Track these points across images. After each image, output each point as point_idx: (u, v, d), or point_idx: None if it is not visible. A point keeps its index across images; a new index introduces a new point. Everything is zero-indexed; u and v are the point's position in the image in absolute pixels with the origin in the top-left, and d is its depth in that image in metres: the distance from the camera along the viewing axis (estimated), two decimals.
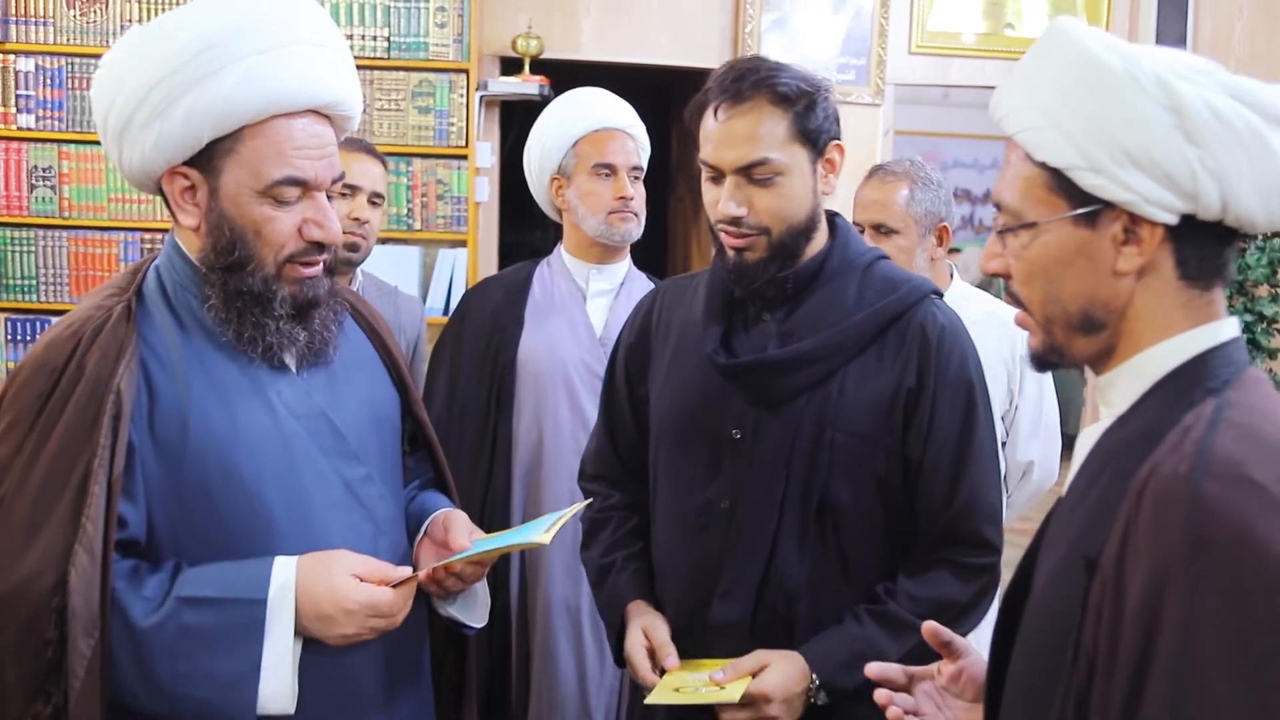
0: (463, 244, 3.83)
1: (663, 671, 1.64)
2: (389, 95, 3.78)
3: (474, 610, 1.60)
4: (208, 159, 1.36)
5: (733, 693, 1.54)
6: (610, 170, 2.37)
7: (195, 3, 1.37)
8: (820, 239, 1.69)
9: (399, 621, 1.41)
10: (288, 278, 1.40)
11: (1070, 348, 1.09)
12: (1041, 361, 1.13)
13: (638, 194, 2.41)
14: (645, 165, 2.48)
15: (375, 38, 3.80)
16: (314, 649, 1.38)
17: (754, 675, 1.58)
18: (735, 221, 1.61)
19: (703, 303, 1.74)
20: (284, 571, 1.35)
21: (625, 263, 2.48)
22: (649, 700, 1.61)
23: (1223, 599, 0.87)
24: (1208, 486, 0.89)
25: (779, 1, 4.13)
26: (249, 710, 1.33)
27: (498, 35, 4.07)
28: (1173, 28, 4.44)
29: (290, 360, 1.45)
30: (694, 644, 1.68)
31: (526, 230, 6.23)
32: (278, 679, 1.33)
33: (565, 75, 4.09)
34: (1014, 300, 1.12)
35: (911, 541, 1.67)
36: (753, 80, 1.58)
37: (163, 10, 3.69)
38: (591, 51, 4.13)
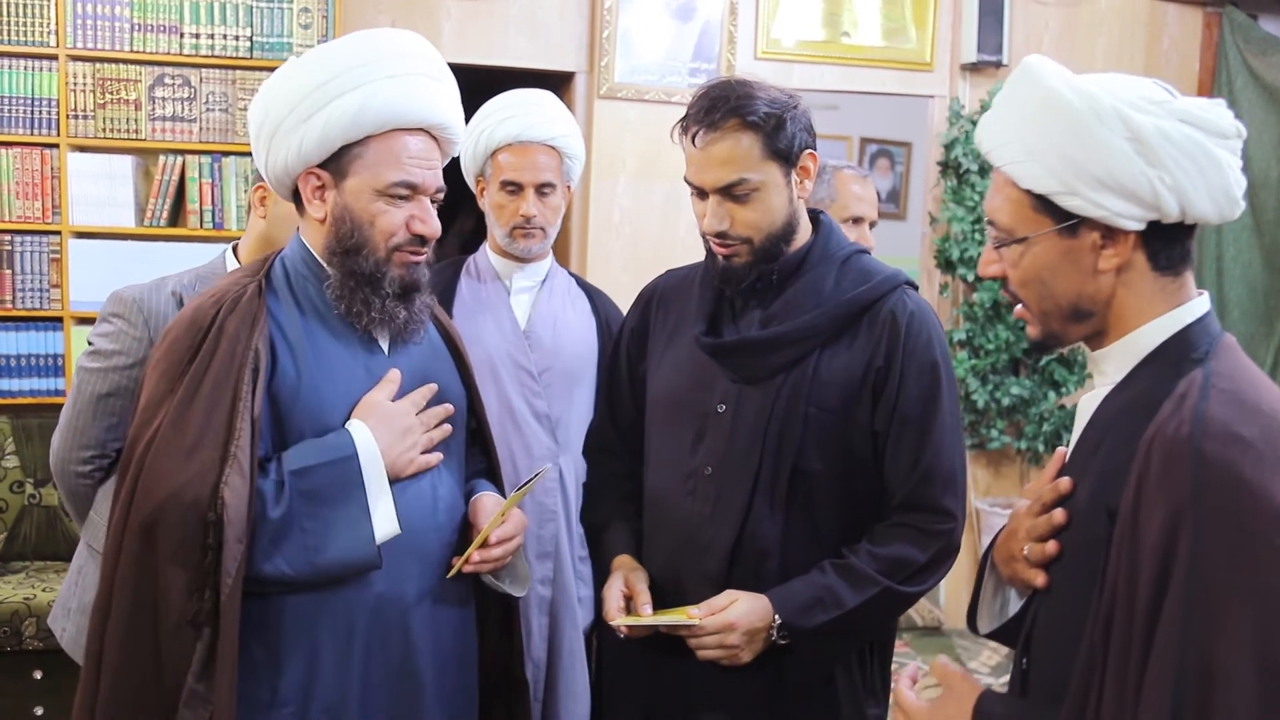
0: None
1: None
2: (252, 95, 3.74)
3: (517, 582, 1.84)
4: (337, 162, 1.66)
5: (694, 613, 1.72)
6: (517, 187, 2.39)
7: (345, 36, 1.69)
8: (803, 236, 1.84)
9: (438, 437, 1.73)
10: (396, 262, 1.68)
11: (1066, 334, 1.28)
12: (1040, 347, 1.32)
13: (546, 209, 2.41)
14: (572, 174, 2.48)
15: (238, 37, 3.81)
16: (382, 618, 1.64)
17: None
18: (721, 234, 1.77)
19: (696, 293, 1.90)
20: (359, 431, 1.63)
21: (547, 260, 2.52)
22: (616, 623, 1.77)
23: (1224, 534, 1.06)
24: (1206, 445, 1.08)
25: (632, 9, 4.32)
26: (370, 541, 1.60)
27: None
28: (991, 40, 4.82)
29: (383, 341, 1.73)
30: (675, 596, 1.82)
31: None
32: (384, 512, 1.61)
33: None
34: (1012, 297, 1.30)
35: (877, 509, 1.81)
36: (725, 109, 1.72)
37: None
38: (452, 53, 4.19)
